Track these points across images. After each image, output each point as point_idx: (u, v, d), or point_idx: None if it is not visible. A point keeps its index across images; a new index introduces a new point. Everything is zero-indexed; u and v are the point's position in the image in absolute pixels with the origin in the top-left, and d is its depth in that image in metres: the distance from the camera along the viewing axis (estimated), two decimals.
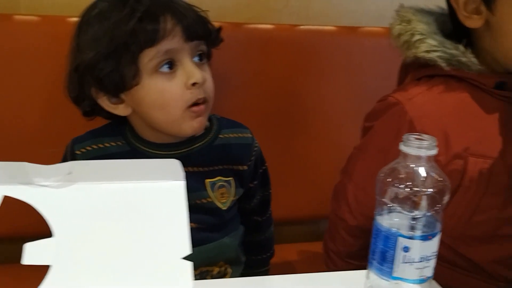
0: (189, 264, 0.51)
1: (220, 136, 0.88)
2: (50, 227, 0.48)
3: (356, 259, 0.88)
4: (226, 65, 1.04)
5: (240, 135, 0.91)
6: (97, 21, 0.78)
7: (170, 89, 0.78)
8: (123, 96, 0.80)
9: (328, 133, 1.21)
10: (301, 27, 1.18)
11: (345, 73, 1.20)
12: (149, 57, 0.76)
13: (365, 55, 1.20)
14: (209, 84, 0.82)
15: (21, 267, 0.46)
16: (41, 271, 0.49)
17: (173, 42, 0.77)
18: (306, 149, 1.21)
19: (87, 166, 0.54)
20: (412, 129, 0.76)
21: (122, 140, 0.84)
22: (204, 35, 0.81)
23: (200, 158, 0.85)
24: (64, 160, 0.84)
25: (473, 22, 0.78)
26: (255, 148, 0.92)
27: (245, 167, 0.90)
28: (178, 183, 0.51)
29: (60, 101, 1.00)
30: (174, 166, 0.54)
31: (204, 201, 0.85)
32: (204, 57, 0.83)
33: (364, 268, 0.64)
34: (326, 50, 1.18)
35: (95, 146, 0.83)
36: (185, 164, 0.80)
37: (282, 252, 1.14)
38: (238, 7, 1.18)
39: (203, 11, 0.84)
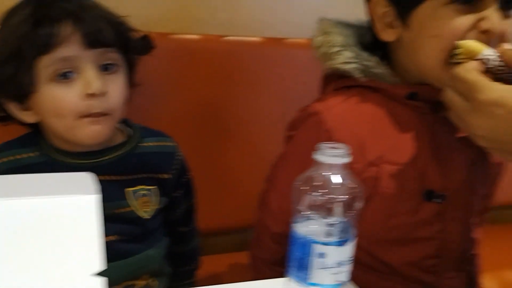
0: (101, 281, 0.50)
1: (141, 144, 0.86)
2: None
3: (281, 266, 0.88)
4: (152, 75, 1.03)
5: (162, 143, 0.89)
6: (2, 24, 0.75)
7: (65, 98, 0.75)
8: (29, 102, 0.77)
9: (254, 143, 1.22)
10: (227, 38, 1.19)
11: (270, 83, 1.21)
12: (44, 64, 0.73)
13: (289, 65, 1.22)
14: (114, 95, 0.78)
15: None
16: None
17: (70, 49, 0.73)
18: (232, 158, 1.21)
19: None
20: (329, 138, 0.78)
21: (37, 151, 0.81)
22: (111, 43, 0.77)
23: (120, 167, 0.83)
24: None
25: (387, 35, 0.80)
26: (178, 157, 0.91)
27: (169, 176, 0.88)
28: (90, 197, 0.50)
29: None
30: (87, 179, 0.53)
31: (123, 210, 0.83)
32: (113, 67, 0.79)
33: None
34: (252, 60, 1.19)
35: (8, 159, 0.80)
36: (103, 173, 0.80)
37: (209, 263, 1.13)
38: (165, 17, 1.17)
39: (120, 17, 0.81)
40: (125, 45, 0.81)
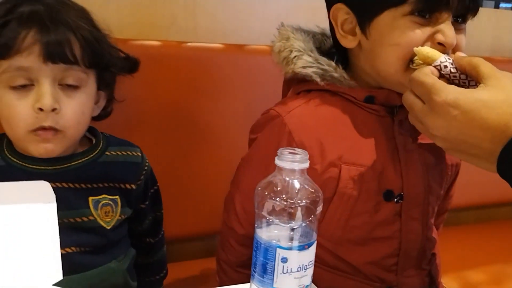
0: None
1: (107, 153, 0.85)
2: None
3: (246, 268, 0.88)
4: None
5: (128, 153, 0.88)
6: None
7: (16, 107, 0.73)
8: None
9: (219, 148, 1.22)
10: (188, 44, 1.19)
11: (232, 89, 1.21)
12: (2, 69, 0.72)
13: (251, 71, 1.22)
14: (68, 113, 0.75)
15: None
16: None
17: (27, 60, 0.72)
18: (197, 164, 1.21)
19: None
20: (291, 140, 0.80)
21: None
22: (74, 60, 0.74)
23: (83, 175, 0.81)
24: None
25: (348, 42, 0.82)
26: (145, 168, 0.90)
27: (133, 186, 0.87)
28: (48, 206, 0.49)
29: None
30: (44, 188, 0.52)
31: (85, 219, 0.81)
32: (77, 85, 0.77)
33: None
34: (213, 67, 1.19)
35: None
36: (65, 180, 0.79)
37: (176, 270, 1.12)
38: (123, 23, 1.15)
39: (101, 32, 0.79)
40: (98, 64, 0.78)
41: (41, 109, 0.72)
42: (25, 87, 0.73)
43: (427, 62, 0.71)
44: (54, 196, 0.50)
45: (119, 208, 0.85)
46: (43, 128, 0.74)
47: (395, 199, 0.83)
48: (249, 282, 0.66)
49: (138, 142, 0.93)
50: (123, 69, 0.85)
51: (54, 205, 0.50)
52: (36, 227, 0.49)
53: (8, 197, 0.50)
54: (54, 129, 0.75)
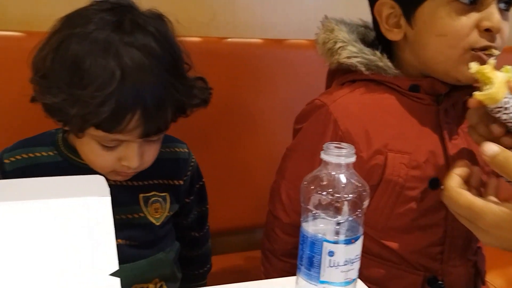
0: (117, 281, 0.51)
1: None
2: None
3: (291, 257, 0.89)
4: None
5: (176, 150, 0.88)
6: (73, 66, 0.69)
7: (102, 158, 0.74)
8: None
9: (261, 141, 1.22)
10: (228, 39, 1.18)
11: (272, 83, 1.21)
12: (98, 135, 0.71)
13: (290, 65, 1.22)
14: (150, 159, 0.77)
15: None
16: None
17: (126, 136, 0.71)
18: (241, 158, 1.21)
19: (9, 184, 0.53)
20: (336, 128, 0.80)
21: (54, 150, 0.80)
22: (166, 128, 0.75)
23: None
24: None
25: (393, 35, 0.82)
26: (192, 164, 0.90)
27: (181, 182, 0.87)
28: (103, 199, 0.50)
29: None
30: (99, 182, 0.53)
31: (136, 216, 0.82)
32: (159, 139, 0.78)
33: None
34: (254, 61, 1.19)
35: (25, 155, 0.79)
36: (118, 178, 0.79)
37: (221, 262, 1.13)
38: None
39: (188, 78, 0.77)
40: (183, 113, 0.78)
41: (126, 166, 0.75)
42: (112, 146, 0.74)
43: (486, 83, 0.69)
44: (108, 189, 0.52)
45: (168, 204, 0.85)
46: (124, 173, 0.77)
47: (441, 187, 0.82)
48: (293, 271, 0.67)
49: (183, 138, 0.93)
50: (200, 106, 0.82)
51: (108, 199, 0.52)
52: (92, 219, 0.50)
53: (65, 190, 0.52)
54: (134, 172, 0.77)
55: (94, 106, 0.67)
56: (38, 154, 0.80)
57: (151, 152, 0.78)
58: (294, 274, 0.66)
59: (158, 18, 0.76)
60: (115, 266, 0.50)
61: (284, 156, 0.91)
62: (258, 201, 1.09)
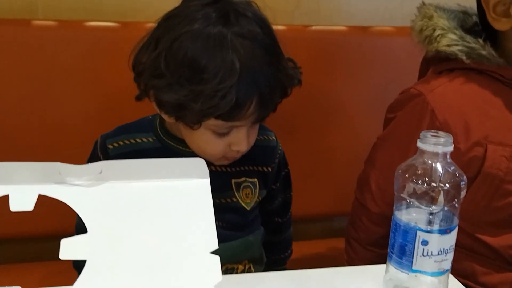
0: (217, 258, 0.53)
1: None
2: (85, 224, 0.50)
3: (377, 246, 0.89)
4: None
5: (265, 137, 0.90)
6: (192, 63, 0.71)
7: (214, 144, 0.77)
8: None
9: (344, 131, 1.21)
10: (313, 27, 1.18)
11: (357, 71, 1.20)
12: (215, 124, 0.74)
13: (376, 53, 1.20)
14: (251, 143, 0.79)
15: (58, 263, 0.48)
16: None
17: (242, 122, 0.74)
18: (323, 148, 1.21)
19: (116, 165, 0.56)
20: (433, 119, 0.78)
21: (153, 137, 0.83)
22: (274, 111, 0.78)
23: None
24: (93, 157, 0.83)
25: (501, 24, 0.78)
26: (279, 151, 0.92)
27: (269, 169, 0.88)
28: (203, 181, 0.52)
29: (80, 103, 1.03)
30: (200, 164, 0.55)
31: (229, 200, 0.84)
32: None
33: (384, 256, 0.63)
34: (338, 49, 1.18)
35: (127, 141, 0.82)
36: (213, 163, 0.82)
37: (302, 248, 1.14)
38: None
39: (290, 72, 0.78)
40: (285, 94, 0.80)
41: (236, 151, 0.78)
42: (225, 132, 0.76)
43: None
44: (208, 172, 0.54)
45: (257, 190, 0.87)
46: (232, 156, 0.80)
47: None
48: (377, 260, 0.67)
49: (270, 126, 0.94)
50: (296, 84, 0.82)
51: (208, 181, 0.54)
52: (192, 201, 0.53)
53: (166, 172, 0.55)
54: (240, 155, 0.80)
55: (218, 99, 0.69)
56: (139, 140, 0.83)
57: (254, 135, 0.80)
58: (377, 263, 0.65)
59: (250, 4, 0.78)
60: (215, 245, 0.52)
61: (375, 145, 0.90)
62: (338, 189, 1.10)
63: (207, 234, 0.53)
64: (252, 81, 0.71)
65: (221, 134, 0.76)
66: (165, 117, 0.78)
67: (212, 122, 0.73)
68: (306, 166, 1.20)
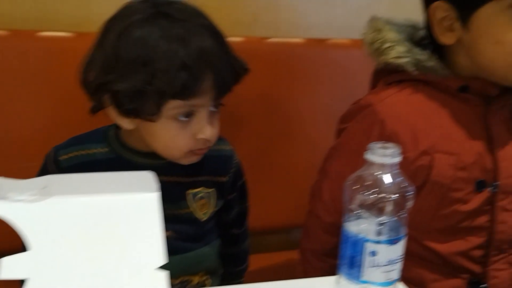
0: (164, 274, 0.52)
1: None
2: (25, 241, 0.48)
3: (331, 257, 0.87)
4: None
5: (221, 147, 0.90)
6: (142, 46, 0.73)
7: (179, 137, 0.77)
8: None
9: (302, 141, 1.22)
10: (271, 39, 1.19)
11: (315, 83, 1.21)
12: (174, 106, 0.74)
13: (333, 65, 1.21)
14: (216, 133, 0.81)
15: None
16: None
17: (202, 100, 0.75)
18: (281, 158, 1.21)
19: (62, 179, 0.54)
20: (383, 129, 0.80)
21: (107, 147, 0.82)
22: (230, 91, 0.79)
23: (184, 169, 0.84)
24: (44, 169, 0.82)
25: (447, 39, 0.81)
26: (235, 161, 0.92)
27: (226, 179, 0.89)
28: (152, 195, 0.52)
29: (32, 115, 1.01)
30: (148, 178, 0.55)
31: (182, 211, 0.84)
32: (219, 105, 0.82)
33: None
34: (296, 61, 1.19)
35: (79, 152, 0.81)
36: (168, 174, 0.82)
37: (255, 262, 1.15)
38: None
39: (230, 47, 0.80)
40: (237, 80, 0.82)
41: (201, 138, 0.78)
42: (186, 118, 0.77)
43: None
44: (157, 185, 0.54)
45: (214, 200, 0.87)
46: (199, 149, 0.80)
47: (488, 189, 0.80)
48: (332, 271, 0.67)
49: (225, 136, 0.94)
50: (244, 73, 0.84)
51: (157, 194, 0.53)
52: (140, 215, 0.52)
53: (116, 186, 0.54)
54: (207, 147, 0.81)
55: (172, 74, 0.71)
56: (91, 151, 0.82)
57: (216, 125, 0.81)
58: (332, 274, 0.66)
59: (188, 4, 0.82)
60: (163, 260, 0.52)
61: (327, 155, 0.91)
62: (296, 201, 1.09)
63: (155, 249, 0.52)
64: (203, 54, 0.73)
65: (183, 123, 0.76)
66: (124, 123, 0.78)
67: (171, 106, 0.74)
68: (264, 178, 1.20)
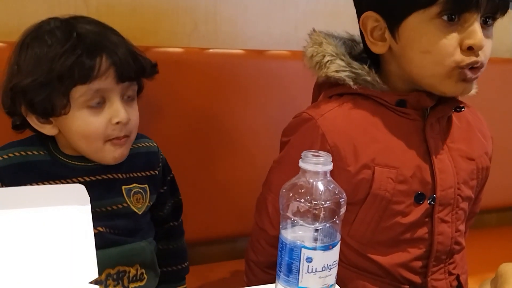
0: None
1: (132, 146, 0.91)
2: None
3: (275, 269, 0.91)
4: None
5: (147, 144, 0.96)
6: (39, 47, 0.79)
7: (95, 123, 0.81)
8: (51, 118, 0.82)
9: (241, 153, 1.22)
10: (210, 50, 1.19)
11: (254, 94, 1.22)
12: (80, 93, 0.79)
13: (271, 76, 1.23)
14: (134, 121, 0.86)
15: None
16: None
17: (105, 82, 0.80)
18: (222, 169, 1.21)
19: None
20: (324, 143, 0.81)
21: (44, 151, 0.86)
22: (136, 77, 0.85)
23: (116, 168, 0.89)
24: None
25: (378, 48, 0.83)
26: (161, 156, 0.98)
27: (156, 172, 0.95)
28: (83, 208, 0.52)
29: None
30: (79, 191, 0.54)
31: (120, 206, 0.88)
32: (133, 96, 0.87)
33: None
34: (235, 72, 1.19)
35: (17, 154, 0.84)
36: (103, 173, 0.87)
37: (200, 272, 1.14)
38: (146, 31, 1.16)
39: (138, 49, 0.86)
40: (142, 75, 0.88)
41: (117, 123, 0.82)
42: (98, 105, 0.81)
43: None
44: (88, 198, 0.53)
45: (148, 195, 0.92)
46: (118, 138, 0.84)
47: (427, 202, 0.82)
48: None
49: (164, 149, 0.97)
50: (152, 75, 0.92)
51: (88, 207, 0.53)
52: (72, 227, 0.51)
53: (46, 199, 0.53)
54: (126, 136, 0.85)
55: (65, 59, 0.77)
56: (29, 153, 0.86)
57: (133, 112, 0.86)
58: None
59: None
60: (95, 274, 0.51)
61: (271, 168, 0.92)
62: (241, 210, 1.10)
63: (86, 261, 0.51)
64: (94, 37, 0.81)
65: (97, 109, 0.81)
66: (46, 129, 0.84)
67: (78, 94, 0.79)
68: (207, 189, 1.20)
